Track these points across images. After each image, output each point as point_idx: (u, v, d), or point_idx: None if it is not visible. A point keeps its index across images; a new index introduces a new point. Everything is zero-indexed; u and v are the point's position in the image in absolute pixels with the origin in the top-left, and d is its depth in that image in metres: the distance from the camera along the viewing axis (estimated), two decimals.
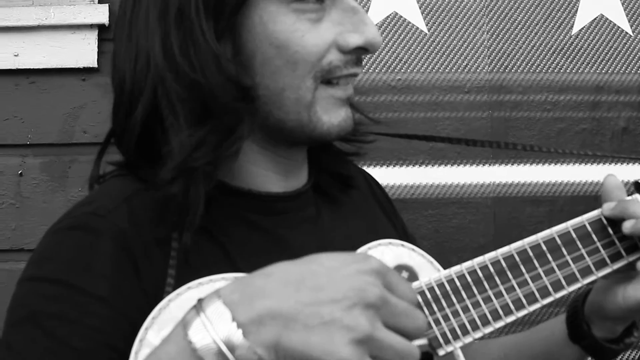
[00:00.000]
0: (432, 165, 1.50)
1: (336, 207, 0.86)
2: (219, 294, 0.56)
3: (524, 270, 0.71)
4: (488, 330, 0.70)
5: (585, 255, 0.72)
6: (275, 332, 0.53)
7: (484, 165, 1.50)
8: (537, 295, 0.71)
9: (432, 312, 0.68)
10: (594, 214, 0.74)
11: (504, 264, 0.71)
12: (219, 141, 0.70)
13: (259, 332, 0.53)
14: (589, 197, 1.50)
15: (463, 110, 1.52)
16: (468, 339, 0.69)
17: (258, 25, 0.71)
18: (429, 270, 0.73)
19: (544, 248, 0.72)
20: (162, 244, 0.69)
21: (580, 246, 0.72)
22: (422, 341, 0.67)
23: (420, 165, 1.50)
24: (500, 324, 0.70)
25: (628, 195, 0.77)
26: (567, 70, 1.53)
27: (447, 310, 0.69)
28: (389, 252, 0.74)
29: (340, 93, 0.75)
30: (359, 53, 0.75)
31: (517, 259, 0.71)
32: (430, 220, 1.50)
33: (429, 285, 0.69)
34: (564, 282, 0.71)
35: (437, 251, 1.46)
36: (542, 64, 1.53)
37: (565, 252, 0.72)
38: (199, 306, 0.55)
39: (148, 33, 0.72)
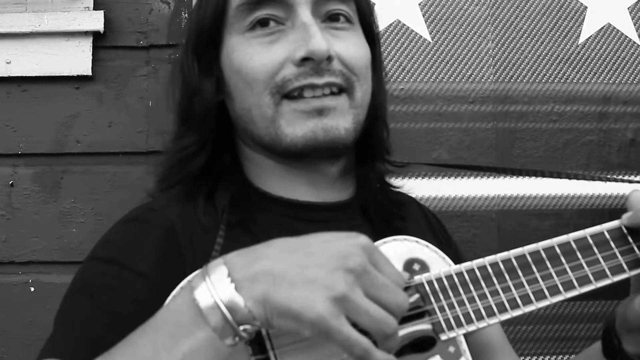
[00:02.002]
0: (436, 178, 1.46)
1: (384, 225, 0.91)
2: (224, 258, 0.64)
3: (534, 269, 0.74)
4: (493, 321, 0.72)
5: (601, 260, 0.74)
6: (264, 288, 0.60)
7: (488, 177, 1.46)
8: (547, 292, 0.73)
9: (438, 300, 0.72)
10: (614, 223, 0.77)
11: (514, 263, 0.74)
12: (185, 156, 0.89)
13: (251, 287, 0.60)
14: (596, 211, 1.46)
15: (467, 120, 1.48)
16: (471, 327, 0.71)
17: (225, 57, 0.87)
18: (440, 265, 0.76)
19: (558, 251, 0.74)
20: (207, 235, 0.80)
21: (596, 251, 0.75)
22: (426, 326, 0.71)
23: (423, 178, 1.45)
24: (506, 316, 0.72)
25: None
26: (574, 81, 1.50)
27: (453, 300, 0.72)
28: (402, 246, 0.77)
29: (303, 106, 0.81)
30: (312, 64, 0.81)
31: (529, 259, 0.74)
32: None
33: (437, 276, 0.73)
34: (575, 283, 0.73)
35: None
36: (548, 74, 1.49)
37: (579, 256, 0.74)
38: (205, 268, 0.64)
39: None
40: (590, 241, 0.75)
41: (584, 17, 1.50)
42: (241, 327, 0.61)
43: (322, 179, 0.88)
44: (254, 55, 0.82)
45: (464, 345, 0.72)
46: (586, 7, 1.51)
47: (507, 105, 1.48)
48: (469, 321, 0.71)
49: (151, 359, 0.61)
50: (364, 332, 0.61)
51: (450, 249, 0.98)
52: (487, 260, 0.74)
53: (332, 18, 0.85)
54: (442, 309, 0.71)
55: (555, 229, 1.44)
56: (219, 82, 0.88)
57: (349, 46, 0.84)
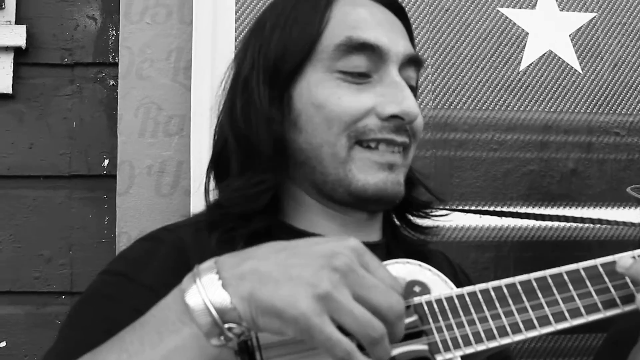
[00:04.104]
0: None
1: None
2: (216, 259, 0.64)
3: (540, 295, 0.72)
4: (492, 344, 0.69)
5: (612, 289, 0.73)
6: (250, 286, 0.60)
7: None
8: (551, 319, 0.71)
9: (437, 321, 0.70)
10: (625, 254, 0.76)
11: (519, 288, 0.72)
12: (255, 192, 0.85)
13: (238, 286, 0.60)
14: (536, 242, 1.42)
15: None
16: (469, 350, 0.69)
17: (305, 89, 0.86)
18: (442, 288, 0.75)
19: (566, 278, 0.73)
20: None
21: (606, 280, 0.73)
22: (422, 346, 0.69)
23: None
24: (506, 340, 0.70)
25: None
26: (515, 108, 1.46)
27: (452, 321, 0.70)
28: (403, 269, 0.76)
29: (377, 157, 0.85)
30: (396, 122, 0.85)
31: (535, 285, 0.72)
32: None
33: (437, 298, 0.72)
34: (583, 311, 0.71)
35: None
36: (488, 101, 1.45)
37: (588, 284, 0.73)
38: (196, 268, 0.64)
39: (225, 93, 0.94)
40: (601, 270, 0.73)
41: (525, 44, 1.47)
42: (226, 326, 0.60)
43: (353, 222, 0.90)
44: (342, 96, 0.84)
45: None
46: (527, 34, 1.47)
47: (447, 133, 1.44)
48: (467, 343, 0.69)
49: (136, 354, 0.62)
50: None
51: None
52: (490, 284, 0.72)
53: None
54: (439, 330, 0.70)
55: (495, 261, 1.40)
56: (284, 112, 0.88)
57: (419, 113, 0.89)
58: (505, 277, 1.28)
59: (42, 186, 1.44)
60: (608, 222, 1.03)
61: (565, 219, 0.96)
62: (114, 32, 1.46)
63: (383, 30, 0.87)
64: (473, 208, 1.41)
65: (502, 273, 1.37)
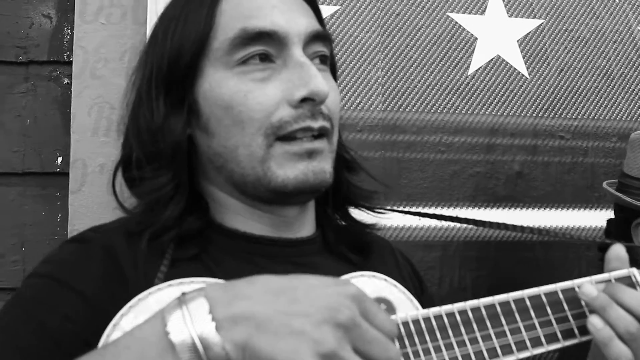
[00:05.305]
0: None
1: (348, 266, 0.88)
2: (204, 290, 0.60)
3: (503, 321, 0.72)
4: None
5: (570, 318, 0.73)
6: (246, 332, 0.56)
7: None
8: (514, 347, 0.71)
9: (403, 347, 0.69)
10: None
11: (484, 312, 0.72)
12: (164, 201, 0.81)
13: (232, 329, 0.56)
14: (482, 242, 1.46)
15: (355, 149, 1.39)
16: None
17: (208, 91, 0.81)
18: (407, 307, 0.75)
19: (528, 304, 0.73)
20: (153, 260, 0.78)
21: (565, 308, 0.74)
22: None
23: None
24: None
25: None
26: (463, 111, 1.49)
27: (419, 347, 0.69)
28: (370, 283, 0.76)
29: (296, 148, 0.80)
30: (309, 106, 0.80)
31: (499, 310, 0.72)
32: None
33: (404, 320, 0.70)
34: (543, 340, 0.72)
35: None
36: (437, 104, 1.49)
37: (549, 312, 0.73)
38: (182, 298, 0.59)
39: (130, 108, 0.89)
40: (561, 296, 0.74)
41: (474, 48, 1.50)
42: None
43: (282, 221, 0.87)
44: (247, 93, 0.79)
45: None
46: (476, 39, 1.51)
47: (395, 135, 1.47)
48: None
49: None
50: None
51: (422, 297, 0.95)
52: (455, 307, 0.72)
53: (314, 59, 0.84)
54: (406, 357, 0.69)
55: (441, 260, 1.43)
56: (190, 116, 0.83)
57: (331, 90, 0.83)
58: (450, 275, 1.30)
59: None
60: (547, 233, 1.05)
61: (505, 227, 0.97)
62: (69, 31, 1.47)
63: (279, 12, 0.81)
64: (414, 210, 1.44)
65: (448, 271, 1.40)
